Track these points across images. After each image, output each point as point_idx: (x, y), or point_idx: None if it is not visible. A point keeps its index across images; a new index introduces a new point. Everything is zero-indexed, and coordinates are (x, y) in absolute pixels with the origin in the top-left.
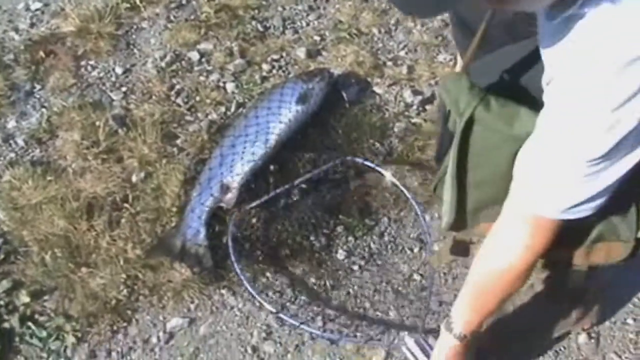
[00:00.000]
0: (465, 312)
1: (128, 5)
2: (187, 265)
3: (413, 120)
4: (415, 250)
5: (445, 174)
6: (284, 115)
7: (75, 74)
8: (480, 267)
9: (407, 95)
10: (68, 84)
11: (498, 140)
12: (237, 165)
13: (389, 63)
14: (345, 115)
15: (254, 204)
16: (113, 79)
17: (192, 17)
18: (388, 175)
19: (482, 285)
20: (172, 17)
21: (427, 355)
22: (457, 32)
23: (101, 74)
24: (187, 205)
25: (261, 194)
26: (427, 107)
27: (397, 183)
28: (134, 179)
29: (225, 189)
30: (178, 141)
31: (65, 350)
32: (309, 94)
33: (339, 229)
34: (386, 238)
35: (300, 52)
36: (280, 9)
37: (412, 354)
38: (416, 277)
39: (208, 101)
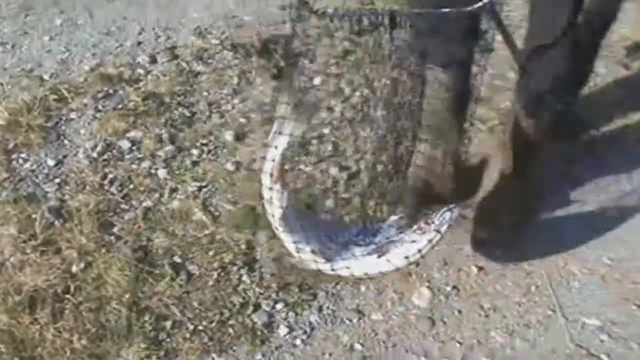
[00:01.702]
0: None
1: (55, 96)
2: None
3: (342, 196)
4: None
5: None
6: None
7: (7, 167)
8: None
9: (334, 171)
10: (0, 178)
11: None
12: None
13: (314, 141)
14: None
15: None
16: (45, 171)
17: (120, 106)
18: None
19: None
20: (100, 107)
21: None
22: None
23: (33, 167)
24: None
25: None
26: (354, 182)
27: None
28: (74, 269)
29: None
30: (115, 229)
31: None
32: None
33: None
34: (325, 311)
35: (228, 135)
36: (205, 93)
37: None
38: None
39: (141, 188)
